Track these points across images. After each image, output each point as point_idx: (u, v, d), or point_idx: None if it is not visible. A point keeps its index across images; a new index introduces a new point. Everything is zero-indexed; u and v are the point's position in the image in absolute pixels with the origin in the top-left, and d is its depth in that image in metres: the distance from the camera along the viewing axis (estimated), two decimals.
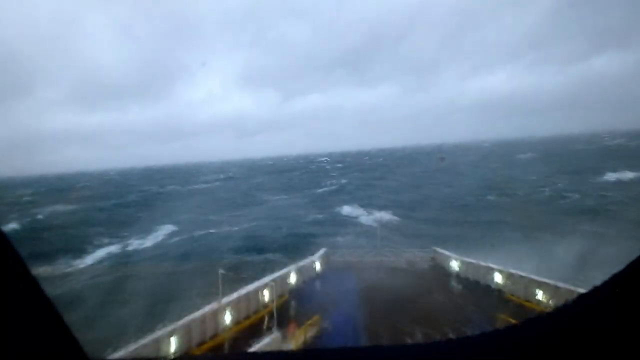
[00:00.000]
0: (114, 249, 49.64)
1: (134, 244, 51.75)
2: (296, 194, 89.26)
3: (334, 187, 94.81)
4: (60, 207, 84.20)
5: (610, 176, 75.15)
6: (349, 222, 55.91)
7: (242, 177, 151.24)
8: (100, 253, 47.47)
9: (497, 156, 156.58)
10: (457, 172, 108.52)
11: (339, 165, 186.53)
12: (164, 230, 57.21)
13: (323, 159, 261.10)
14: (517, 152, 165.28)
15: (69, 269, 39.23)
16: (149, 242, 52.24)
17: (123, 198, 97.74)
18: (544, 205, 58.88)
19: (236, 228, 55.71)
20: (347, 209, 64.37)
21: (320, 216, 60.82)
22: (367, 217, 57.43)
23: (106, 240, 52.89)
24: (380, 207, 63.63)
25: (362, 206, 65.26)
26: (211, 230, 56.08)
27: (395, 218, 57.60)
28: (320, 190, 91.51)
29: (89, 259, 44.57)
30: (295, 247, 40.14)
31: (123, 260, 44.06)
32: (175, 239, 52.88)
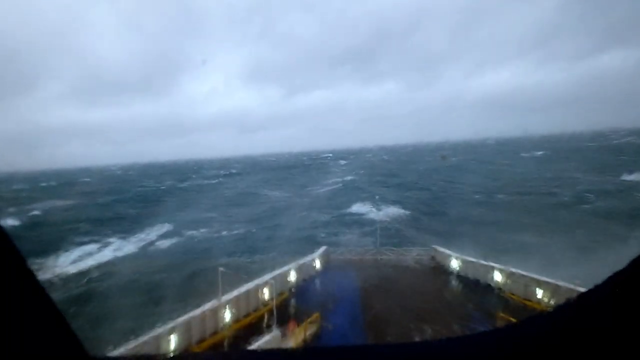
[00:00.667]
0: (93, 249, 43.94)
1: (117, 244, 45.97)
2: (300, 191, 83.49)
3: (339, 186, 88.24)
4: (57, 203, 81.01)
5: (637, 176, 67.47)
6: (362, 222, 49.90)
7: (245, 174, 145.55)
8: (77, 254, 41.77)
9: (505, 154, 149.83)
10: (466, 169, 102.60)
11: (343, 162, 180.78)
12: (156, 230, 51.16)
13: (327, 156, 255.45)
14: (524, 150, 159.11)
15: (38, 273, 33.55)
16: (132, 243, 46.21)
17: (122, 194, 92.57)
18: (567, 205, 53.06)
19: (236, 231, 49.12)
20: (357, 207, 57.64)
21: (329, 215, 54.04)
22: (380, 214, 51.45)
23: (87, 239, 47.43)
24: (391, 205, 57.24)
25: (372, 204, 58.63)
26: (203, 230, 49.92)
27: (406, 212, 52.04)
28: (326, 189, 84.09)
29: (61, 261, 39.10)
30: (299, 252, 34.67)
31: (98, 263, 38.30)
32: (166, 240, 46.75)
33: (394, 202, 58.92)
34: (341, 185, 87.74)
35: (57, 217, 62.32)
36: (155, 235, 49.46)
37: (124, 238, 48.54)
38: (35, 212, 69.23)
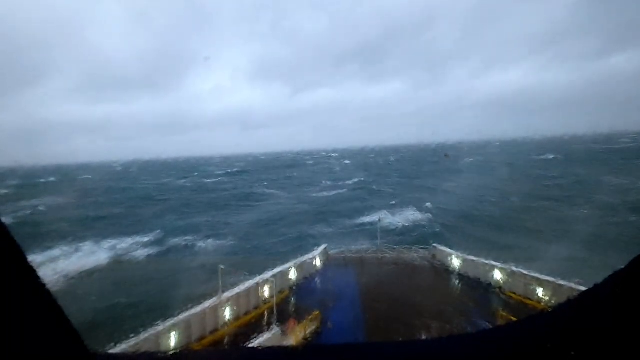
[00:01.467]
0: (56, 254, 37.01)
1: (88, 249, 38.65)
2: (305, 194, 74.50)
3: (346, 190, 78.63)
4: (51, 201, 76.20)
5: None
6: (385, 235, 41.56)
7: (246, 173, 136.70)
8: (34, 260, 34.01)
9: (516, 156, 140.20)
10: (483, 172, 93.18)
11: (347, 162, 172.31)
12: (137, 236, 43.67)
13: (331, 155, 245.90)
14: (533, 152, 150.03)
15: None
16: (105, 250, 38.56)
17: (116, 193, 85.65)
18: (619, 215, 44.29)
19: (224, 240, 40.76)
20: (376, 215, 45.20)
21: (338, 227, 44.50)
22: (402, 220, 43.65)
23: (59, 242, 40.56)
24: (415, 212, 48.19)
25: (391, 210, 49.35)
26: (190, 238, 41.92)
27: (429, 218, 44.31)
28: (333, 192, 73.91)
29: None
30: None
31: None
32: (144, 249, 39.14)
33: (415, 208, 50.14)
34: (349, 188, 78.85)
35: (42, 217, 57.65)
36: (134, 242, 41.54)
37: (98, 243, 41.16)
38: (26, 212, 63.74)
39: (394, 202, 54.18)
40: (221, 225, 48.05)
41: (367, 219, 46.11)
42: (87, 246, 40.09)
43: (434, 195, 60.81)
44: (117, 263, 35.08)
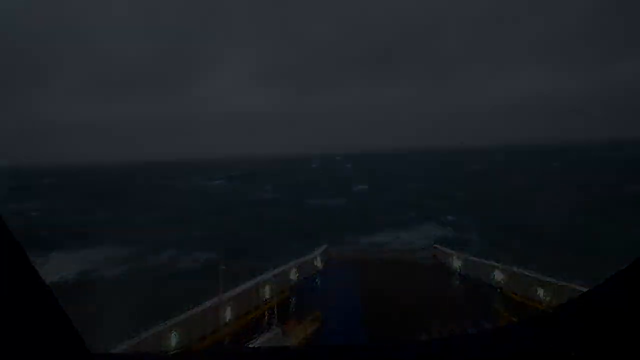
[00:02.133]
0: None
1: (54, 262, 33.52)
2: (306, 199, 68.97)
3: (352, 197, 71.93)
4: (43, 205, 75.27)
5: None
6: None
7: (248, 175, 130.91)
8: None
9: (529, 162, 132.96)
10: (505, 180, 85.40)
11: (349, 165, 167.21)
12: (113, 248, 38.27)
13: (335, 158, 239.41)
14: (542, 158, 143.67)
15: None
16: (77, 261, 33.77)
17: (113, 198, 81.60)
18: None
19: (204, 254, 35.07)
20: (387, 233, 38.13)
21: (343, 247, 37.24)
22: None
23: (31, 252, 34.03)
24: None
25: (411, 224, 41.85)
26: (171, 253, 36.77)
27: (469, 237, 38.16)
28: (336, 200, 66.85)
29: None
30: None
31: None
32: (116, 267, 33.40)
33: (434, 222, 43.52)
34: (354, 194, 72.95)
35: (25, 222, 54.89)
36: (107, 257, 36.00)
37: (69, 254, 36.22)
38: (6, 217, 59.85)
39: (411, 215, 47.15)
40: (210, 236, 42.11)
41: (375, 238, 36.84)
42: (53, 258, 35.35)
43: (455, 204, 53.79)
44: (79, 284, 29.44)
